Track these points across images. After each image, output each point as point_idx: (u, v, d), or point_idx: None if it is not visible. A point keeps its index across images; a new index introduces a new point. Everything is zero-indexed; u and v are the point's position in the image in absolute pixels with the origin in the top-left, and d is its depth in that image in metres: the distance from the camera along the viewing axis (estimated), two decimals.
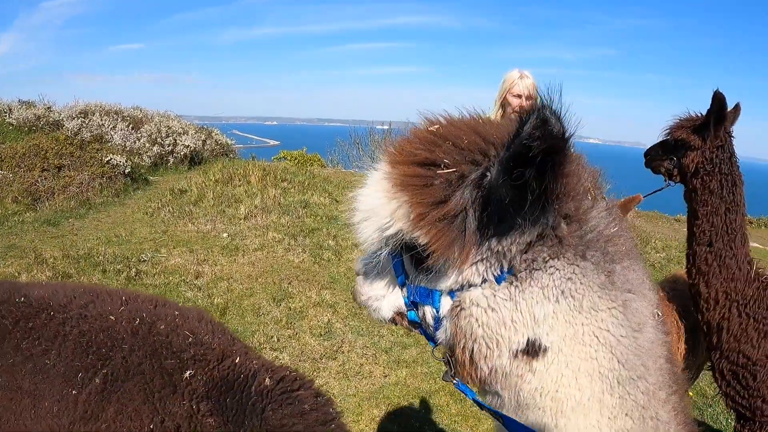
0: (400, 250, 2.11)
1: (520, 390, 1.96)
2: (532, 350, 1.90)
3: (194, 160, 25.84)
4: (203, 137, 27.61)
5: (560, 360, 1.90)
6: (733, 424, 5.68)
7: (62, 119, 25.61)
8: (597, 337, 1.91)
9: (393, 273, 2.28)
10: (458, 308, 1.98)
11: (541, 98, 1.68)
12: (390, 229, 1.96)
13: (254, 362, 3.16)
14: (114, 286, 10.08)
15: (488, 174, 1.80)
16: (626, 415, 1.94)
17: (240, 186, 18.28)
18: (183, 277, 11.50)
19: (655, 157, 5.67)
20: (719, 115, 5.06)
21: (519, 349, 1.91)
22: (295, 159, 27.30)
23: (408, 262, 2.18)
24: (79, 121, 25.28)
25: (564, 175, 1.74)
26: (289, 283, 11.41)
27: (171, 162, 25.08)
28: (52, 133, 21.27)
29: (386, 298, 2.36)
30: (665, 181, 5.67)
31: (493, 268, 1.90)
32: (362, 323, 9.89)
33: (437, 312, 2.07)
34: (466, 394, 2.14)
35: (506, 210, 1.77)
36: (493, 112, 6.54)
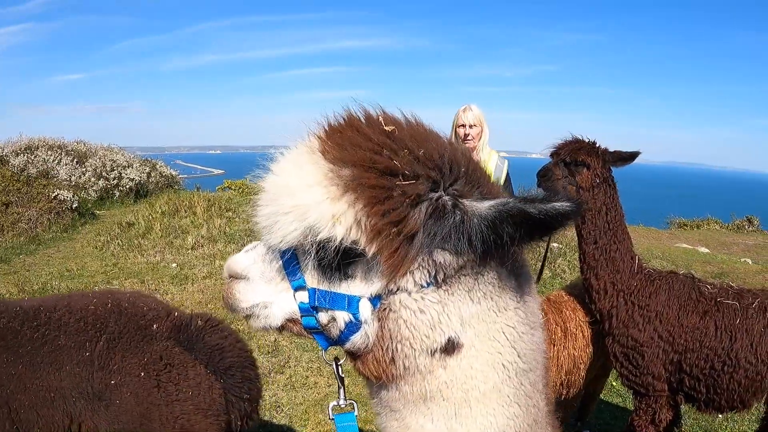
0: (310, 252, 2.02)
1: (426, 384, 2.05)
2: (450, 348, 2.01)
3: (140, 192, 26.04)
4: (148, 170, 27.78)
5: (471, 355, 2.04)
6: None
7: (6, 155, 25.52)
8: (504, 333, 2.08)
9: (284, 276, 2.14)
10: (386, 311, 1.99)
11: (580, 201, 1.80)
12: (324, 232, 1.88)
13: (186, 313, 4.78)
14: None
15: (462, 198, 1.89)
16: (516, 403, 2.12)
17: (186, 217, 18.75)
18: None
19: (551, 176, 6.21)
20: (627, 158, 5.99)
21: (438, 347, 2.00)
22: (239, 188, 27.48)
23: (314, 265, 2.07)
24: (25, 157, 25.30)
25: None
26: None
27: (117, 195, 25.34)
28: None
29: (276, 304, 2.19)
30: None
31: (428, 276, 1.94)
32: (307, 340, 10.32)
33: (355, 317, 2.02)
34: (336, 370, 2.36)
35: (463, 238, 1.86)
36: None
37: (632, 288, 5.97)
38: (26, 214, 18.44)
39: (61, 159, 26.67)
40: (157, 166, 29.69)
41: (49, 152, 27.03)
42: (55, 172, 25.23)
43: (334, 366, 2.36)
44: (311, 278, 2.08)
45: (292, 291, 2.12)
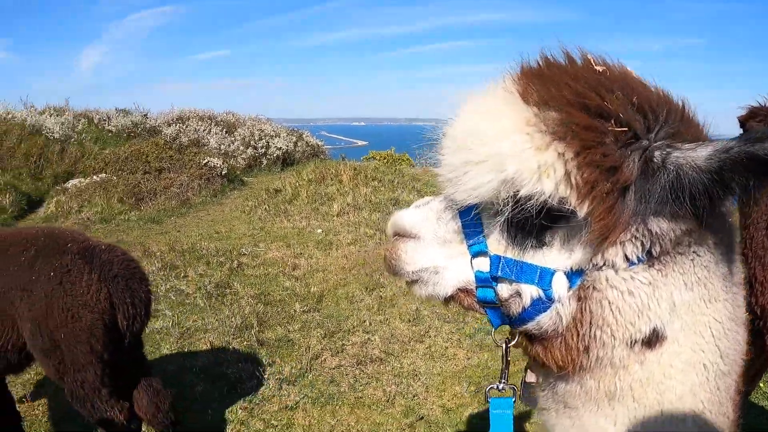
0: (503, 212, 1.69)
1: (618, 380, 1.77)
2: (652, 340, 1.72)
3: (286, 161, 26.59)
4: (294, 139, 28.31)
5: (673, 351, 1.74)
6: None
7: (159, 125, 27.07)
8: (710, 327, 1.77)
9: (462, 238, 1.86)
10: (589, 290, 1.71)
11: None
12: (527, 187, 1.60)
13: (100, 242, 5.81)
14: (218, 277, 11.15)
15: (672, 149, 1.57)
16: (709, 410, 1.80)
17: (332, 185, 18.73)
18: (281, 269, 12.08)
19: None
20: None
21: (640, 338, 1.71)
22: (384, 158, 27.52)
23: (502, 227, 1.78)
24: (177, 126, 26.51)
25: None
26: (380, 275, 11.70)
27: (264, 164, 25.95)
28: (151, 139, 22.56)
29: (449, 270, 1.91)
30: None
31: (640, 250, 1.66)
32: (448, 311, 10.05)
33: (545, 293, 1.73)
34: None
35: (683, 197, 1.55)
36: None
37: None
38: (178, 179, 19.06)
39: (210, 129, 27.57)
40: (304, 136, 30.13)
41: (200, 123, 28.13)
42: (206, 141, 26.16)
43: (504, 347, 2.06)
44: (495, 243, 1.81)
45: (470, 257, 1.85)
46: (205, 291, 10.57)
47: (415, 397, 7.58)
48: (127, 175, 18.82)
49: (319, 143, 31.24)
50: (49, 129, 22.38)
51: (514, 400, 2.05)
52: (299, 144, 28.44)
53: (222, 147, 25.70)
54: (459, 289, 1.91)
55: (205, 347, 8.61)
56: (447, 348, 9.01)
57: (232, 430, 6.70)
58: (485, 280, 1.81)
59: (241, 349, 8.53)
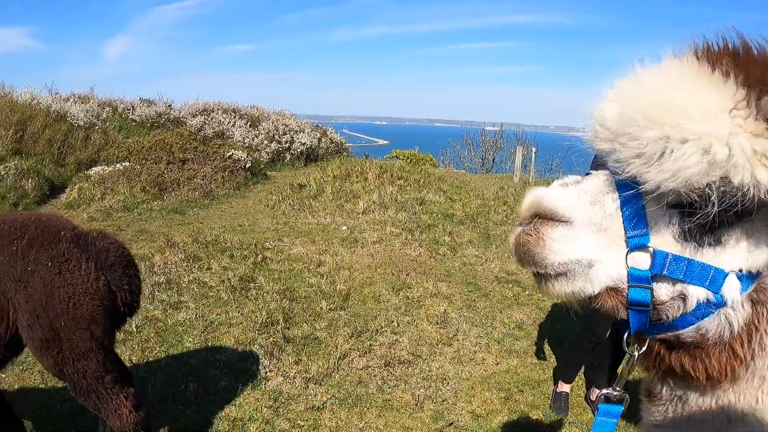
0: (704, 203, 1.49)
1: (760, 393, 1.65)
2: None
3: (310, 157, 26.65)
4: (319, 135, 28.36)
5: None
6: None
7: (183, 116, 27.28)
8: None
9: (622, 229, 1.62)
10: (767, 294, 1.59)
11: None
12: (739, 176, 1.41)
13: (86, 228, 5.63)
14: (242, 271, 10.94)
15: None
16: None
17: (357, 182, 18.62)
18: (306, 265, 11.90)
19: None
20: None
21: None
22: (408, 158, 27.54)
23: (676, 221, 1.60)
24: (202, 118, 26.71)
25: None
26: (407, 275, 11.57)
27: (288, 158, 25.95)
28: (176, 129, 22.52)
29: (602, 264, 1.65)
30: None
31: None
32: (476, 315, 10.03)
33: (715, 296, 1.57)
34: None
35: None
36: None
37: None
38: (201, 170, 18.95)
39: (235, 122, 27.67)
40: (328, 133, 30.29)
41: (224, 115, 28.26)
42: (230, 133, 26.29)
43: (635, 355, 1.81)
44: (661, 238, 1.59)
45: (626, 250, 1.61)
46: (229, 284, 10.37)
47: (444, 402, 7.41)
48: (151, 164, 18.68)
49: (343, 140, 31.46)
50: (74, 116, 22.25)
51: (623, 409, 1.87)
52: (323, 140, 28.54)
53: (246, 140, 25.73)
54: (609, 287, 1.65)
55: (229, 342, 8.42)
56: (476, 352, 8.83)
57: (256, 429, 6.49)
58: (644, 279, 1.59)
59: (266, 345, 8.35)
